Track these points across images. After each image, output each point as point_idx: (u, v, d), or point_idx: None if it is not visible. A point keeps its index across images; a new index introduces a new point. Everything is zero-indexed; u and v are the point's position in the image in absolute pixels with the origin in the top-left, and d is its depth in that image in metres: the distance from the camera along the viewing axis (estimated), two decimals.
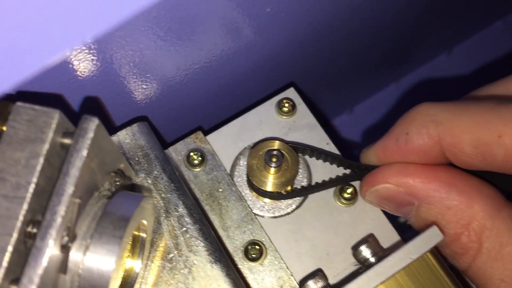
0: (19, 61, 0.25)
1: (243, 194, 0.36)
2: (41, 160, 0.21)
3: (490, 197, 0.30)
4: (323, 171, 0.37)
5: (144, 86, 0.34)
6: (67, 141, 0.23)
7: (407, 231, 0.36)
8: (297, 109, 0.39)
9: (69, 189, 0.21)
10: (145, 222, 0.27)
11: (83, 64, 0.27)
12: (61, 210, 0.21)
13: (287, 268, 0.34)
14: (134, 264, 0.28)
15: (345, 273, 0.34)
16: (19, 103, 0.23)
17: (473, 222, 0.29)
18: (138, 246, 0.28)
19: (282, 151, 0.35)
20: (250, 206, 0.36)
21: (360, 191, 0.35)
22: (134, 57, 0.29)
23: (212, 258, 0.30)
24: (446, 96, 0.36)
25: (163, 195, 0.30)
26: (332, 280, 0.34)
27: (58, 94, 0.28)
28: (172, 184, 0.30)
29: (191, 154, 0.36)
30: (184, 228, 0.29)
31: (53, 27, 0.25)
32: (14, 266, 0.21)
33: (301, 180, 0.37)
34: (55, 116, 0.22)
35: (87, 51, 0.26)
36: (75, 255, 0.23)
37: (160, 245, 0.29)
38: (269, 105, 0.39)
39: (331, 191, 0.36)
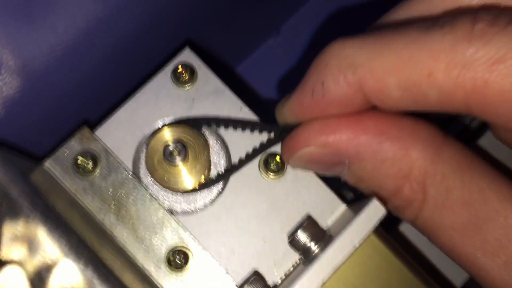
0: None
1: (152, 191, 0.30)
2: None
3: (428, 138, 0.25)
4: (242, 142, 0.31)
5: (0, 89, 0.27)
6: None
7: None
8: (197, 74, 0.32)
9: None
10: None
11: None
12: None
13: (220, 265, 0.29)
14: None
15: (286, 262, 0.29)
16: None
17: (413, 171, 0.25)
18: None
19: (181, 139, 0.29)
20: (164, 203, 0.30)
21: (283, 157, 0.30)
22: None
23: None
24: None
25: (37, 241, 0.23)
26: (273, 277, 0.29)
27: None
28: (48, 224, 0.24)
29: (79, 159, 0.30)
30: (74, 277, 0.23)
31: None
32: None
33: (218, 161, 0.31)
34: None
35: None
36: None
37: None
38: (163, 76, 0.32)
39: (255, 165, 0.31)
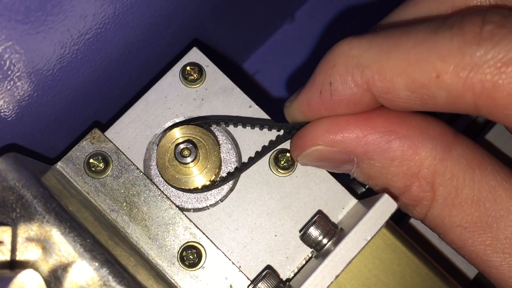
0: None
1: (164, 189, 0.31)
2: None
3: (438, 136, 0.25)
4: (252, 139, 0.32)
5: (12, 93, 0.27)
6: None
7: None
8: (206, 73, 0.32)
9: None
10: None
11: None
12: None
13: (233, 264, 0.30)
14: None
15: (298, 257, 0.30)
16: None
17: (422, 169, 0.25)
18: None
19: (192, 138, 0.29)
20: (176, 202, 0.31)
21: (292, 155, 0.30)
22: None
23: None
24: None
25: (52, 242, 0.24)
26: (285, 271, 0.29)
27: None
28: (62, 226, 0.24)
29: (91, 160, 0.30)
30: (90, 277, 0.24)
31: None
32: None
33: (229, 158, 0.31)
34: None
35: None
36: None
37: None
38: (172, 76, 0.32)
39: (265, 163, 0.31)
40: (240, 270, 0.29)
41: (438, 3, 0.26)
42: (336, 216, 0.30)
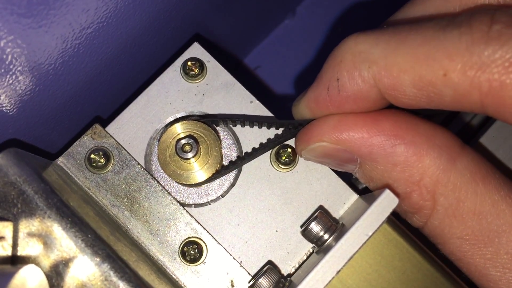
0: None
1: (165, 185, 0.31)
2: None
3: (444, 146, 0.25)
4: (253, 136, 0.32)
5: (14, 88, 0.27)
6: None
7: None
8: (207, 68, 0.32)
9: None
10: None
11: None
12: None
13: (234, 259, 0.30)
14: None
15: (299, 252, 0.30)
16: None
17: (424, 178, 0.25)
18: None
19: (193, 133, 0.29)
20: (177, 198, 0.31)
21: (296, 149, 0.30)
22: None
23: None
24: None
25: (54, 236, 0.24)
26: (286, 266, 0.29)
27: None
28: (63, 221, 0.24)
29: (92, 155, 0.30)
30: (91, 272, 0.24)
31: None
32: None
33: (230, 154, 0.31)
34: None
35: None
36: None
37: None
38: (173, 71, 0.32)
39: (266, 158, 0.31)
40: (241, 266, 0.30)
41: (445, 1, 0.26)
42: (337, 212, 0.30)
